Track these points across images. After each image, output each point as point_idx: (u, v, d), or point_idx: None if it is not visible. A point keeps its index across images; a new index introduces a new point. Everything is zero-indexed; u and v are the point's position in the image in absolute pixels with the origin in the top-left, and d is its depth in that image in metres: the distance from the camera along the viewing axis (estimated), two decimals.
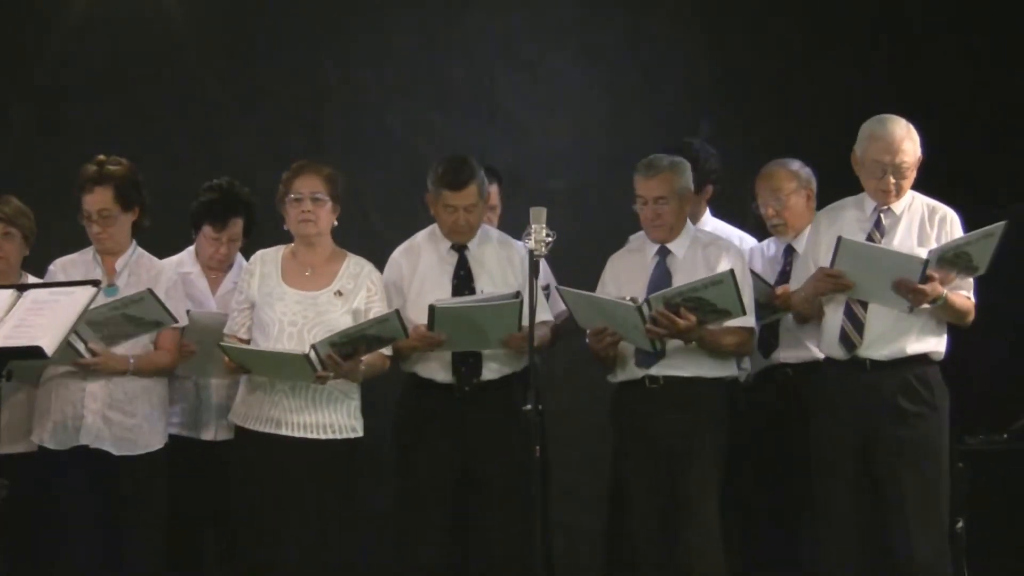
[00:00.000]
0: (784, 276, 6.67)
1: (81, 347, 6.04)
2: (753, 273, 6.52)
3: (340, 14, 8.23)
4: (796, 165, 6.83)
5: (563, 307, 6.57)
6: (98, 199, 6.29)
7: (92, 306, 5.81)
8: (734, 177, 7.12)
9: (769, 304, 6.53)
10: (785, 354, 6.67)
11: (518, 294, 6.14)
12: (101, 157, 6.37)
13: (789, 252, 6.75)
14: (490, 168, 6.82)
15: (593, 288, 6.49)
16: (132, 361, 6.21)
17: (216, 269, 6.80)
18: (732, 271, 6.08)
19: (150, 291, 6.12)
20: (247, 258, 6.52)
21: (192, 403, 6.64)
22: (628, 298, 6.14)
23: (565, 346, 6.74)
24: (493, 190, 6.89)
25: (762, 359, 6.71)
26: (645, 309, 6.08)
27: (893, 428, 6.06)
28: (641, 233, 6.60)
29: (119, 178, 6.32)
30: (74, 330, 5.88)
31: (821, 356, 6.40)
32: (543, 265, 6.69)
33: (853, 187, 6.34)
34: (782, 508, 6.71)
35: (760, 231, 7.00)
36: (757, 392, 6.66)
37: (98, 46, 7.97)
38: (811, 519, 6.33)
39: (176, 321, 6.25)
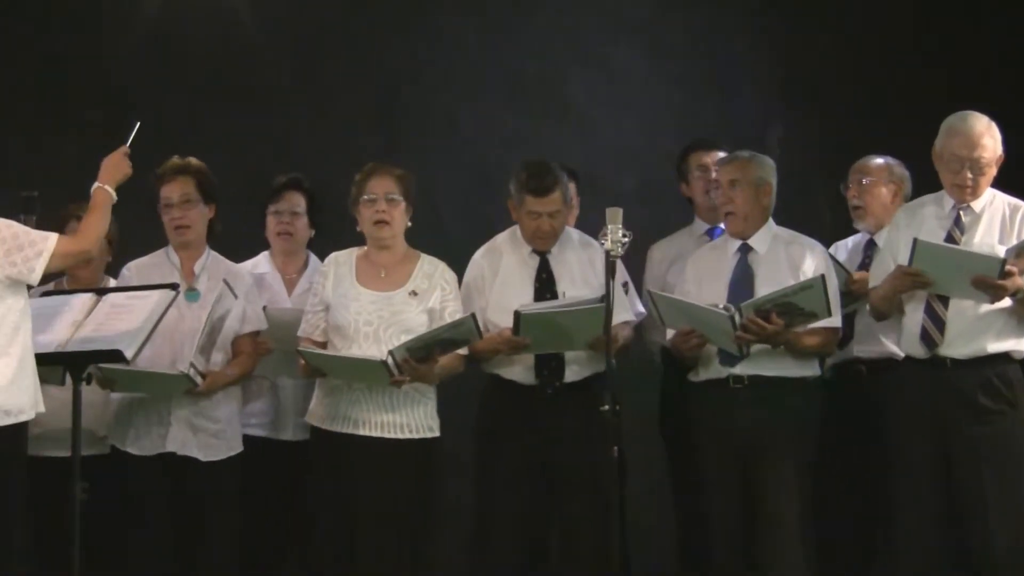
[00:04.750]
0: (864, 269, 6.65)
1: (199, 379, 6.10)
2: (832, 258, 6.52)
3: (410, 14, 8.23)
4: (892, 161, 6.87)
5: (640, 308, 6.61)
6: (180, 186, 6.36)
7: (199, 329, 6.03)
8: (808, 176, 7.04)
9: (847, 291, 6.50)
10: (860, 348, 6.66)
11: (603, 298, 6.05)
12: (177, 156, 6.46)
13: (871, 246, 6.77)
14: (567, 168, 6.79)
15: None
16: (231, 374, 6.29)
17: (288, 254, 6.80)
18: (823, 277, 6.08)
19: (225, 281, 6.21)
20: (322, 259, 6.52)
21: (270, 403, 6.65)
22: (721, 306, 6.13)
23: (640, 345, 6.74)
24: (570, 189, 6.84)
25: (837, 351, 6.65)
26: (737, 317, 6.07)
27: (973, 426, 6.04)
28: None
29: (199, 170, 6.41)
30: (192, 365, 6.02)
31: (896, 351, 6.42)
32: (621, 266, 6.70)
33: (930, 188, 6.33)
34: (857, 506, 6.70)
35: (847, 225, 6.98)
36: (831, 390, 6.56)
37: (168, 48, 8.00)
38: (890, 516, 6.30)
39: (236, 297, 6.28)
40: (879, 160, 6.86)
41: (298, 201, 6.82)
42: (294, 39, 8.16)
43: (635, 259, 6.85)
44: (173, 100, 7.91)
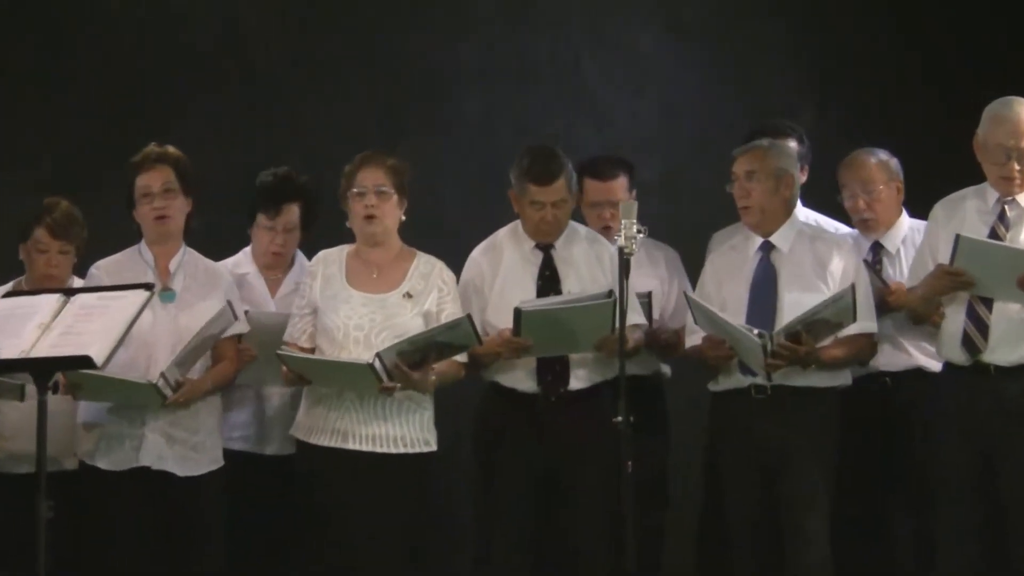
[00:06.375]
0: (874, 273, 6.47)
1: (169, 392, 5.83)
2: (867, 266, 6.29)
3: None
4: (884, 155, 6.63)
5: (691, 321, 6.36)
6: (161, 175, 6.08)
7: (182, 343, 5.86)
8: (830, 164, 6.80)
9: (882, 303, 6.24)
10: (884, 360, 6.40)
11: (611, 293, 5.87)
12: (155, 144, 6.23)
13: (877, 249, 6.54)
14: (623, 161, 6.62)
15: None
16: (210, 382, 6.01)
17: (274, 268, 6.53)
18: (853, 287, 5.88)
19: (228, 303, 5.99)
20: (310, 258, 6.26)
21: (254, 415, 6.38)
22: (755, 332, 5.89)
23: None
24: (621, 183, 6.57)
25: (859, 365, 6.39)
26: (769, 344, 5.85)
27: (1017, 437, 5.81)
28: (738, 227, 6.39)
29: (179, 160, 6.16)
30: (163, 375, 5.80)
31: (924, 363, 6.34)
32: (677, 266, 6.62)
33: (968, 179, 6.10)
34: (879, 520, 6.52)
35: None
36: (853, 402, 6.31)
37: (161, 29, 7.79)
38: (936, 529, 6.10)
39: (236, 319, 6.04)
40: (875, 160, 6.58)
41: (293, 215, 6.51)
42: (292, 17, 7.97)
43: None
44: (164, 83, 7.72)
